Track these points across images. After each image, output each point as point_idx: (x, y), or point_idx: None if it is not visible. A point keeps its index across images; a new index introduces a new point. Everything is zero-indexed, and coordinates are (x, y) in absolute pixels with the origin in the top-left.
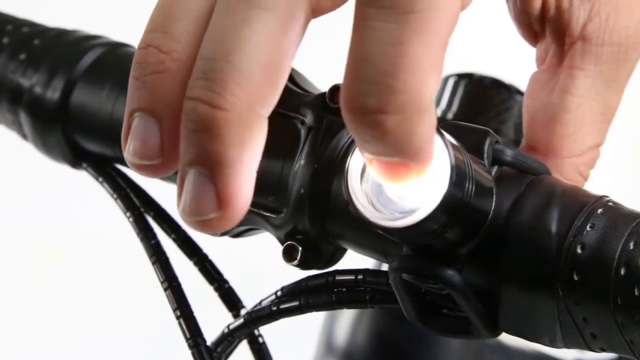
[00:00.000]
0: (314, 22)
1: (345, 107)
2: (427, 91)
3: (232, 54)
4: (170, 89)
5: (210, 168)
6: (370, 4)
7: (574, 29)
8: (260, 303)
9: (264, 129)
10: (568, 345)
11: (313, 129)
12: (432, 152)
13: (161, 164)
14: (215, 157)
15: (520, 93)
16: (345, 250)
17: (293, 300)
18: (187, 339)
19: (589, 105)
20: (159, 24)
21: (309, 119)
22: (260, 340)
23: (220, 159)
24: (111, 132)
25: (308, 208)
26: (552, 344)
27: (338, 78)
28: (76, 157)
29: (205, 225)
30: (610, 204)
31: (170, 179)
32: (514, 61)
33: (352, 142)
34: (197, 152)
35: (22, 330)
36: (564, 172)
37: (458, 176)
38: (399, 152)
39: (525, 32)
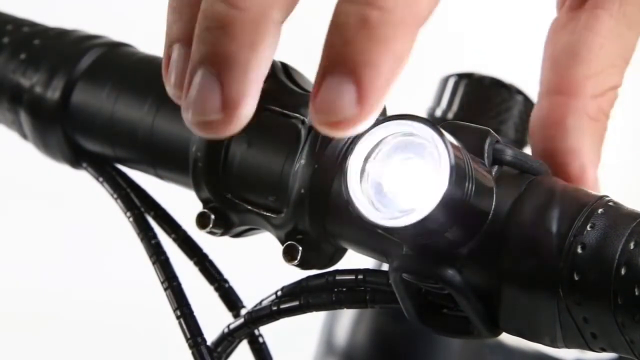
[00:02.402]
0: (314, 23)
1: None
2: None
3: None
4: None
5: (219, 68)
6: None
7: None
8: (260, 303)
9: (277, 36)
10: (568, 345)
11: (313, 129)
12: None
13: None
14: (225, 57)
15: (521, 93)
16: (345, 250)
17: (293, 300)
18: (187, 339)
19: (610, 45)
20: None
21: (309, 118)
22: (261, 340)
23: (230, 59)
24: (111, 132)
25: (308, 208)
26: (553, 343)
27: None
28: (76, 157)
29: (208, 127)
30: (610, 203)
31: (170, 179)
32: (514, 61)
33: (352, 141)
34: (208, 50)
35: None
36: (590, 111)
37: (458, 176)
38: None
39: None
